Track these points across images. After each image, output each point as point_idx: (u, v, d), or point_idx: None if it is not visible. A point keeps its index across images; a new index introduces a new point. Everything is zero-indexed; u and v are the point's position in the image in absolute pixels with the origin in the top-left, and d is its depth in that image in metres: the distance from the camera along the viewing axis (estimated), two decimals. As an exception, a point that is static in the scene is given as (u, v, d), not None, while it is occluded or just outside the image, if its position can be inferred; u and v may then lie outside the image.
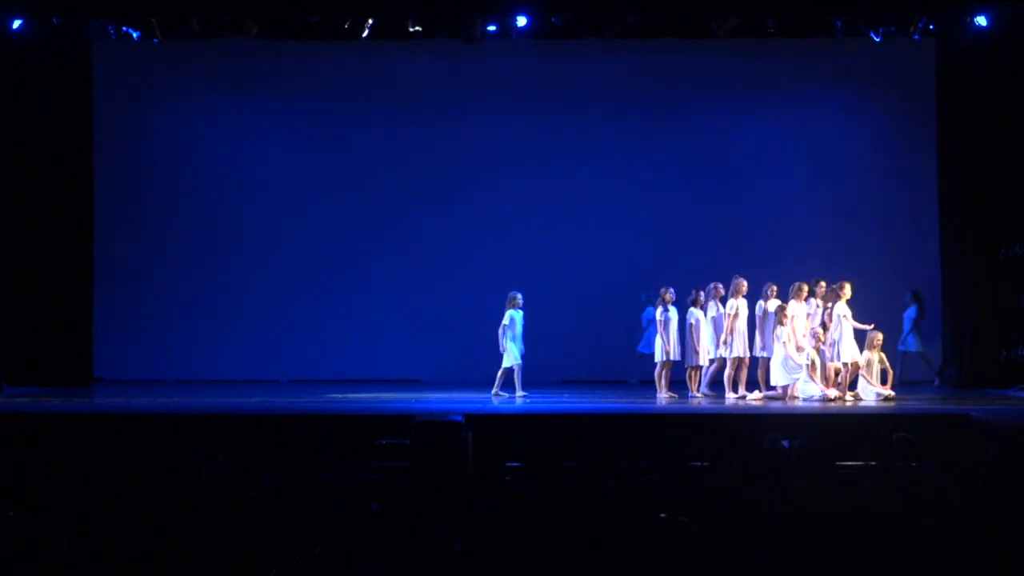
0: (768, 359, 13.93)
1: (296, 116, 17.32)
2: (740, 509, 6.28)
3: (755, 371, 14.27)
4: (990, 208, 15.83)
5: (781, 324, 13.69)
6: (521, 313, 14.54)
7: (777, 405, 13.45)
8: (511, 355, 14.36)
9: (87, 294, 16.91)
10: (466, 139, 17.28)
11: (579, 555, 5.04)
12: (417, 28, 16.34)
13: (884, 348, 14.13)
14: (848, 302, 13.89)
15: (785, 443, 8.57)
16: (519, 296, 14.56)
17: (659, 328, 14.34)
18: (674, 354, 14.31)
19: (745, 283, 14.20)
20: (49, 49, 16.18)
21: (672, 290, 14.41)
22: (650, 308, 16.18)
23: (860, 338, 14.02)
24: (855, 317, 13.95)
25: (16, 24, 15.56)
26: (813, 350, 13.62)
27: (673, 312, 14.33)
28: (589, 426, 12.01)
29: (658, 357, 14.37)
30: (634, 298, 16.75)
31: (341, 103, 17.26)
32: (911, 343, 15.69)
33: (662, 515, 5.77)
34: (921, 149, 16.85)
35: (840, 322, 13.77)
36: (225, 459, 8.32)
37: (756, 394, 13.90)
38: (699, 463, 8.66)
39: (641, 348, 16.27)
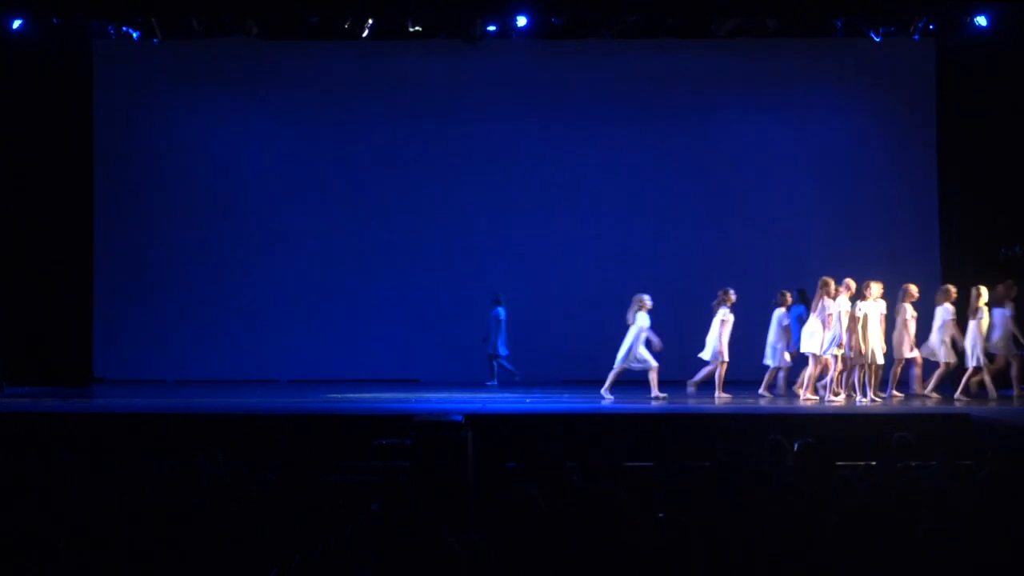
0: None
1: (296, 116, 17.31)
2: (740, 509, 6.28)
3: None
4: (990, 208, 15.84)
5: (831, 297, 13.48)
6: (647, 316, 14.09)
7: (776, 406, 13.43)
8: (644, 359, 13.96)
9: (87, 294, 16.91)
10: (466, 139, 17.27)
11: (579, 555, 5.04)
12: (417, 28, 16.36)
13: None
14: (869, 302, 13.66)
15: (797, 443, 8.55)
16: (647, 298, 14.03)
17: (719, 328, 13.99)
18: (726, 355, 14.05)
19: (832, 282, 13.72)
20: (49, 49, 16.19)
21: (732, 291, 14.11)
22: (500, 309, 16.04)
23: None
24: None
25: (16, 24, 15.58)
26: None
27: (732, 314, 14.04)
28: (589, 426, 12.01)
29: (710, 356, 14.06)
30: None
31: (341, 103, 17.26)
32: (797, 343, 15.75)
33: (661, 515, 5.76)
34: (921, 149, 16.87)
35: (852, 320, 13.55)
36: (225, 459, 8.31)
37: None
38: (699, 463, 8.66)
39: (491, 350, 16.19)
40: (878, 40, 16.27)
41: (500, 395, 14.41)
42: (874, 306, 13.55)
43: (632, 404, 13.63)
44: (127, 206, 17.16)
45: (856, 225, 16.91)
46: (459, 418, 10.56)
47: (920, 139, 16.88)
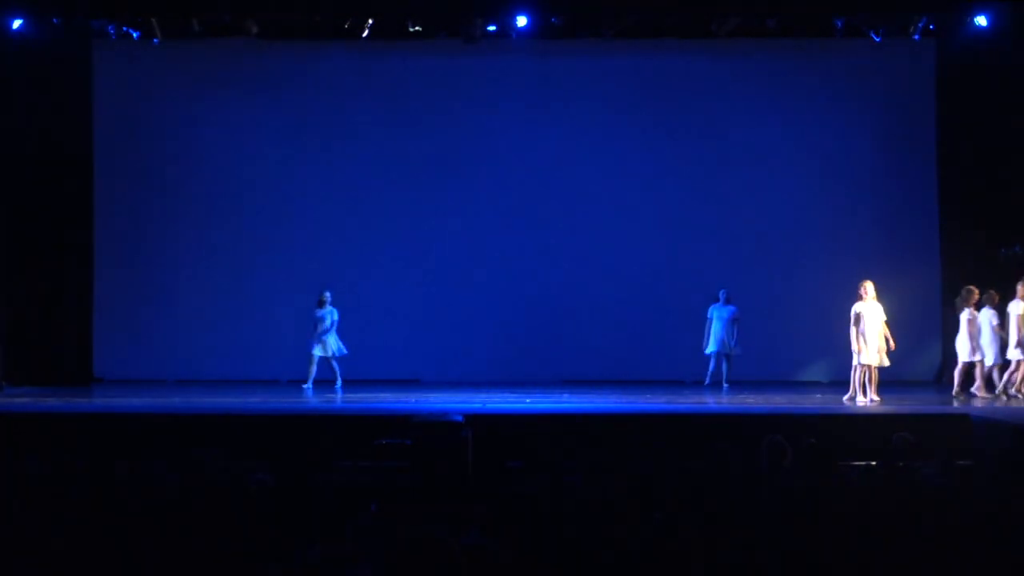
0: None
1: (296, 116, 17.31)
2: (739, 509, 6.27)
3: None
4: (990, 208, 15.85)
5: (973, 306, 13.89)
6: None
7: (776, 406, 13.43)
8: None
9: (87, 294, 16.91)
10: (466, 139, 17.27)
11: (579, 555, 5.04)
12: (417, 28, 16.37)
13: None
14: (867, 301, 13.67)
15: (810, 441, 8.55)
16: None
17: (966, 328, 13.99)
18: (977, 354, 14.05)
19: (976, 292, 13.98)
20: (49, 49, 16.19)
21: (994, 291, 14.04)
22: (332, 308, 15.62)
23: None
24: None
25: (16, 24, 15.59)
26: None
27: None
28: (589, 426, 12.01)
29: (972, 357, 14.05)
30: (635, 297, 16.81)
31: (341, 103, 17.26)
32: (736, 343, 15.71)
33: (658, 515, 5.76)
34: (921, 149, 16.87)
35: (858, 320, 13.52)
36: (225, 459, 8.31)
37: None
38: (698, 463, 8.65)
39: (337, 352, 15.76)
40: (878, 40, 16.28)
41: (500, 395, 14.40)
42: (872, 306, 13.53)
43: (632, 404, 13.63)
44: (127, 206, 17.16)
45: (856, 225, 16.91)
46: (459, 418, 10.56)
47: (920, 139, 16.88)
